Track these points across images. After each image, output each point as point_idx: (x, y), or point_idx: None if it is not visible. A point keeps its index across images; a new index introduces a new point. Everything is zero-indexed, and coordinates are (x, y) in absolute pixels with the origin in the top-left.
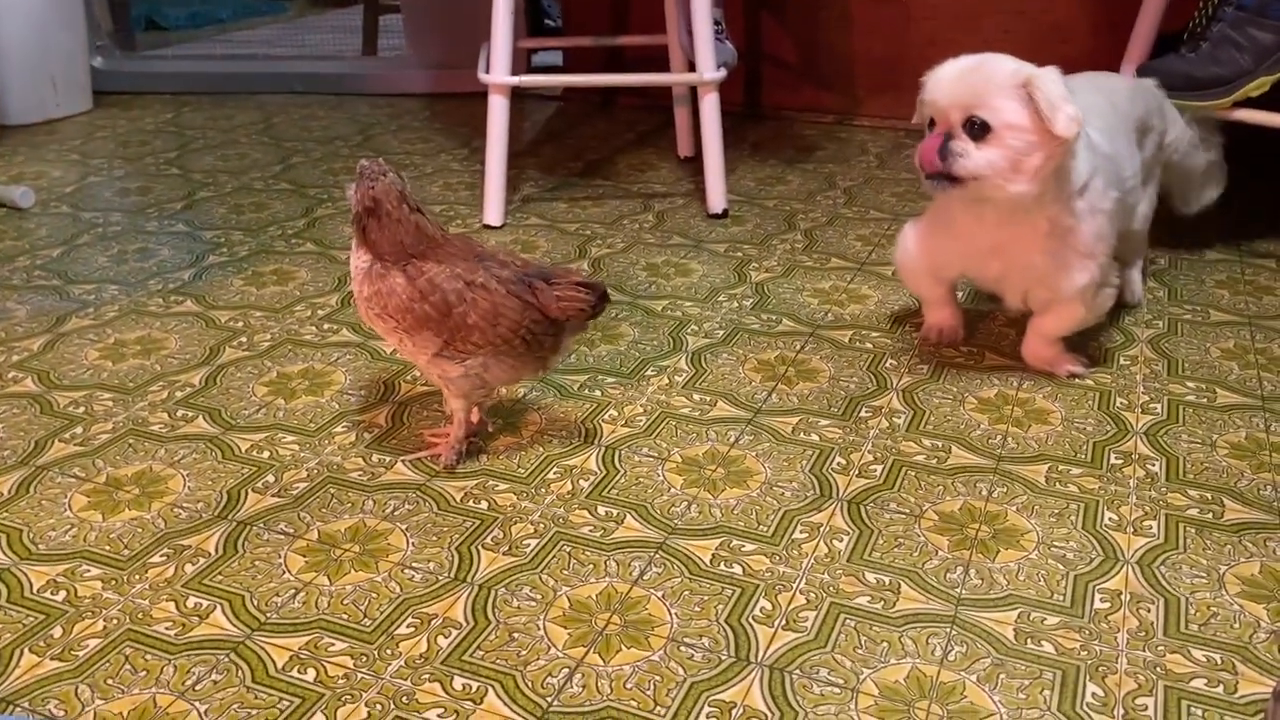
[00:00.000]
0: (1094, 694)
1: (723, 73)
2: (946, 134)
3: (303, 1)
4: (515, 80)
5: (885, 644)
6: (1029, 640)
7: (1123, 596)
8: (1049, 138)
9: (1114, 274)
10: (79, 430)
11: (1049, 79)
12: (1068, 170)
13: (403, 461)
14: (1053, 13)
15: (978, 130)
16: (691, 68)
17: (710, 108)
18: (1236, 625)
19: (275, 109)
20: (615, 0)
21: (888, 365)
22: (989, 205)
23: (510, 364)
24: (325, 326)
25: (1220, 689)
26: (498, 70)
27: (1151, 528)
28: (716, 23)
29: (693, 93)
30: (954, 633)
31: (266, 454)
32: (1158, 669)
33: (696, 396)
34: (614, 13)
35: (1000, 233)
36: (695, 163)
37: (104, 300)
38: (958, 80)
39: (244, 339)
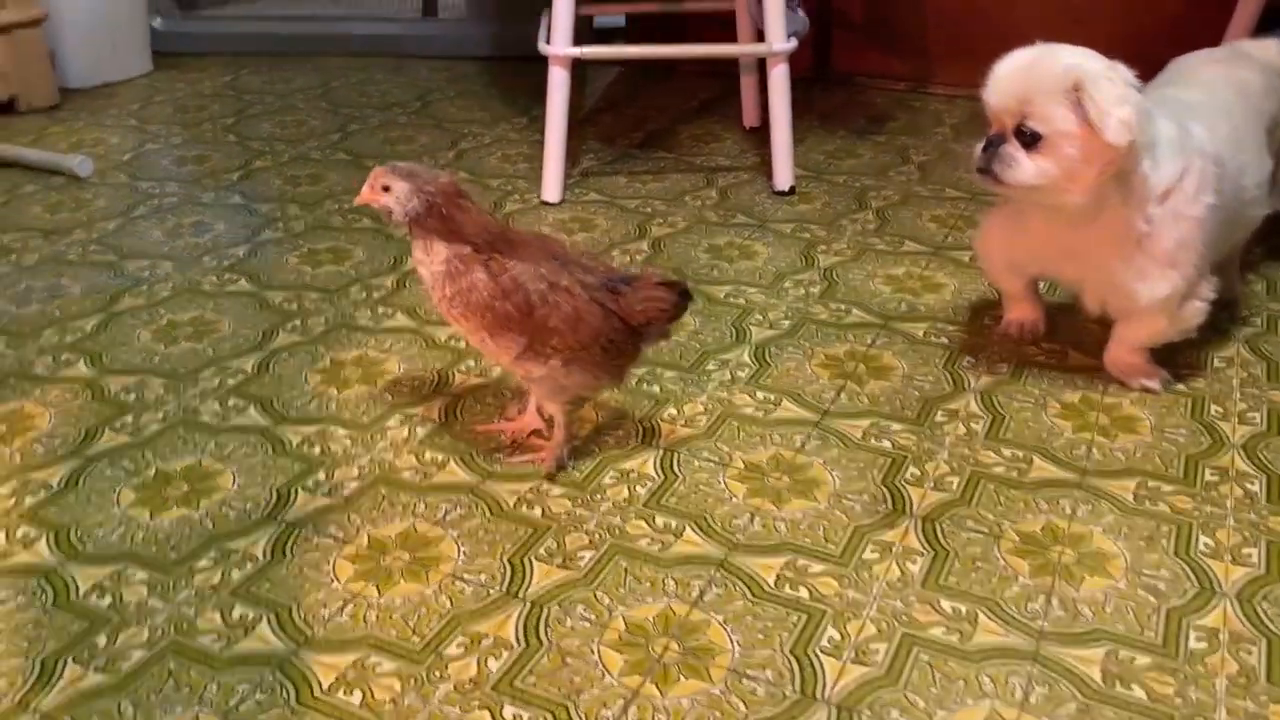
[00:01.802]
0: None
1: (793, 43)
2: (1000, 136)
3: None
4: (577, 52)
5: (961, 682)
6: (1117, 683)
7: (1220, 636)
8: (1103, 144)
9: (1208, 287)
10: (129, 419)
11: (1102, 80)
12: (1141, 174)
13: (499, 460)
14: None
15: (1029, 139)
16: (759, 35)
17: (779, 80)
18: None
19: (333, 72)
20: None
21: (965, 363)
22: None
23: (589, 371)
24: (380, 310)
25: None
26: (559, 41)
27: (1251, 556)
28: None
29: (760, 61)
30: (1035, 671)
31: (318, 449)
32: None
33: (760, 395)
34: None
35: (1072, 235)
36: (761, 133)
37: (158, 277)
38: (1009, 82)
39: (297, 322)
